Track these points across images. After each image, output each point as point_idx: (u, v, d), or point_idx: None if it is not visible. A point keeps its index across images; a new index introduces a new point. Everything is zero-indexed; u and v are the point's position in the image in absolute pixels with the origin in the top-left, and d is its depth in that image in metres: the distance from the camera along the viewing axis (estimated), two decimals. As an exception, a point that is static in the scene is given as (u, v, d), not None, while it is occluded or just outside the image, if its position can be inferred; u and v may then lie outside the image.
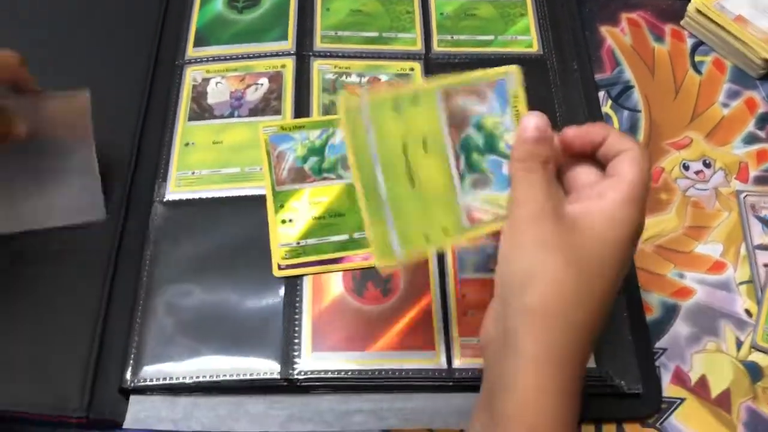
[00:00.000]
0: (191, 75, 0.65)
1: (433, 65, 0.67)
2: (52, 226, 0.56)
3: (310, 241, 0.56)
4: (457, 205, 0.46)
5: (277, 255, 0.56)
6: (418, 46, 0.68)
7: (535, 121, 0.44)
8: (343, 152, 0.59)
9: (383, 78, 0.66)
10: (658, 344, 0.57)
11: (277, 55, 0.66)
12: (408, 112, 0.45)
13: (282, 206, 0.58)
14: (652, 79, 0.70)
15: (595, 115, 0.66)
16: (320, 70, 0.66)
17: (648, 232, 0.61)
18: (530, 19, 0.71)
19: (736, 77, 0.70)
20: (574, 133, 0.45)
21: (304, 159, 0.60)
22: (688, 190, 0.64)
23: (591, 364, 0.53)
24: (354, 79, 0.65)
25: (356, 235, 0.57)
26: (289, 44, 0.67)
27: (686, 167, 0.65)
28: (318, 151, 0.60)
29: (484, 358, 0.44)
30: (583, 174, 0.45)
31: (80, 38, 0.68)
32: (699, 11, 0.71)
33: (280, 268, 0.55)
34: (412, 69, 0.66)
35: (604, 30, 0.73)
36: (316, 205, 0.58)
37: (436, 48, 0.68)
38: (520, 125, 0.45)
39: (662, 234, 0.62)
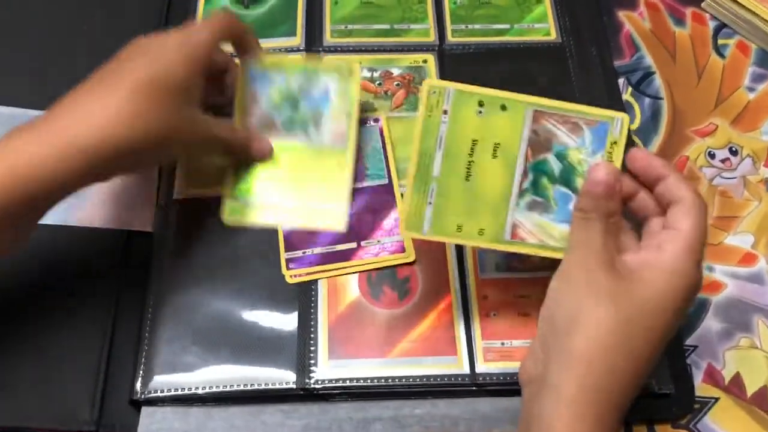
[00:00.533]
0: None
1: (448, 56, 0.65)
2: (109, 227, 0.56)
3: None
4: (505, 215, 0.47)
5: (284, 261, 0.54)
6: (432, 38, 0.66)
7: (604, 176, 0.44)
8: (320, 107, 0.57)
9: (396, 72, 0.63)
10: (689, 341, 0.55)
11: (285, 51, 0.64)
12: (491, 115, 0.46)
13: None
14: (674, 64, 0.68)
15: (616, 103, 0.63)
16: (330, 64, 0.64)
17: (674, 224, 0.59)
18: (547, 6, 0.68)
19: (762, 60, 0.67)
20: (636, 167, 0.46)
21: (278, 107, 0.57)
22: (714, 179, 0.61)
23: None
24: (365, 73, 0.63)
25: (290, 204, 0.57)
26: (297, 39, 0.65)
27: (712, 155, 0.63)
28: (288, 99, 0.57)
29: (523, 395, 0.44)
30: (649, 223, 0.46)
31: (81, 35, 0.66)
32: (721, -8, 0.68)
33: (291, 276, 0.54)
34: (425, 61, 0.64)
35: (622, 15, 0.71)
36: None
37: (450, 38, 0.66)
38: (588, 175, 0.45)
39: (689, 226, 0.59)
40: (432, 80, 0.47)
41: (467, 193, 0.46)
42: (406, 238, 0.54)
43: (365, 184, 0.57)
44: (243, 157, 0.55)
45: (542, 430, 0.40)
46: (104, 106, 0.44)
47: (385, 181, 0.57)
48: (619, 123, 0.46)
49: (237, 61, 0.57)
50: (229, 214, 0.55)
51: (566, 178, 0.47)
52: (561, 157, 0.47)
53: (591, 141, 0.46)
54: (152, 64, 0.46)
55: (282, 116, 0.56)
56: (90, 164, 0.43)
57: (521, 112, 0.46)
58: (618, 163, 0.46)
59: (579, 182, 0.47)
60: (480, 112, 0.46)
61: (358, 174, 0.57)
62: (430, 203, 0.46)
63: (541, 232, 0.47)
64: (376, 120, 0.60)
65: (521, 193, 0.47)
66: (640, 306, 0.41)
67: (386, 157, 0.58)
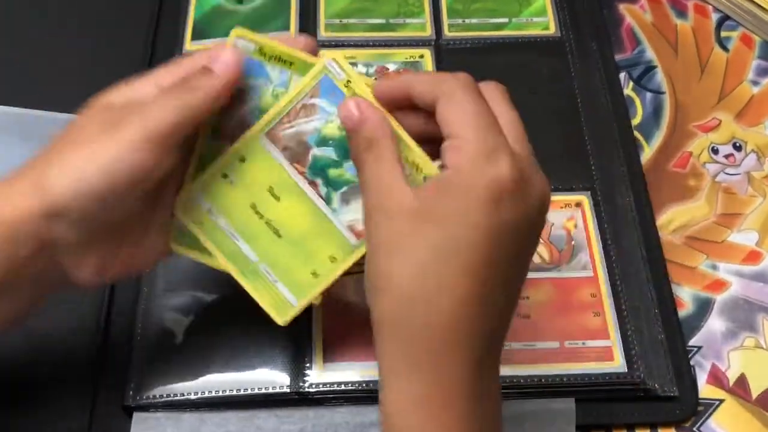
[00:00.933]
0: (189, 70, 0.62)
1: (445, 51, 0.63)
2: None
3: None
4: (335, 229, 0.43)
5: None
6: (428, 32, 0.65)
7: (349, 105, 0.39)
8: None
9: (391, 67, 0.62)
10: (692, 342, 0.53)
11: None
12: (239, 174, 0.42)
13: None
14: (676, 57, 0.66)
15: (617, 98, 0.62)
16: (325, 60, 0.62)
17: (677, 221, 0.58)
18: (546, 0, 0.67)
19: (766, 53, 0.66)
20: (382, 88, 0.40)
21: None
22: (718, 175, 0.60)
23: (622, 368, 0.49)
24: (361, 69, 0.62)
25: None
26: (291, 34, 0.64)
27: (715, 151, 0.61)
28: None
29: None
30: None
31: (72, 32, 0.65)
32: (724, -16, 0.67)
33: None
34: (421, 56, 0.63)
35: (623, 8, 0.69)
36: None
37: (447, 33, 0.65)
38: (340, 117, 0.40)
39: (692, 223, 0.58)
40: (178, 200, 0.43)
41: (290, 245, 0.43)
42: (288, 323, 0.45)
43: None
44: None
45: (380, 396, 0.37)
46: None
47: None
48: (333, 66, 0.41)
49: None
50: (175, 239, 0.45)
51: (344, 149, 0.41)
52: (322, 141, 0.42)
53: (329, 103, 0.41)
54: None
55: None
56: None
57: (258, 148, 0.42)
58: (369, 96, 0.40)
59: None
60: (229, 180, 0.43)
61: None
62: (275, 282, 0.43)
63: None
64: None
65: (326, 199, 0.42)
66: (433, 247, 0.35)
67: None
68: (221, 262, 0.44)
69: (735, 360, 0.53)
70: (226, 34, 0.62)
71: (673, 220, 0.58)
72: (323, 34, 0.64)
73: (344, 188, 0.42)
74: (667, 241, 0.57)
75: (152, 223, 0.43)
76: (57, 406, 0.49)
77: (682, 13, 0.69)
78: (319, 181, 0.42)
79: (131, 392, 0.49)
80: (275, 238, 0.43)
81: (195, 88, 0.39)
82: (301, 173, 0.42)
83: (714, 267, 0.56)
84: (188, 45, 0.64)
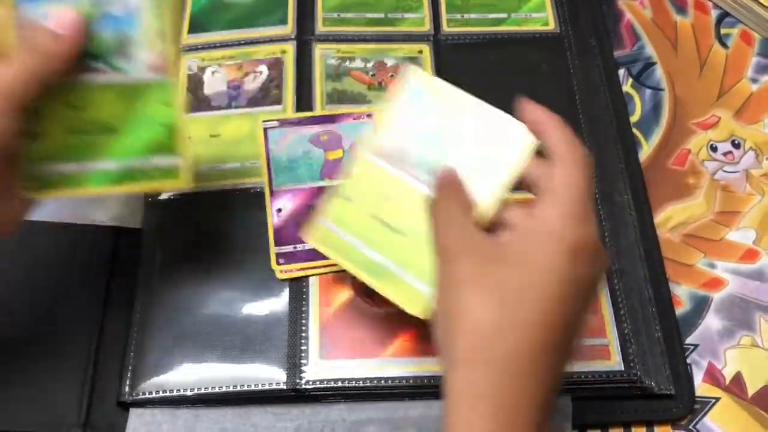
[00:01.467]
0: (186, 64, 0.61)
1: (443, 47, 0.63)
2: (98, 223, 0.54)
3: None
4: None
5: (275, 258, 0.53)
6: (427, 27, 0.64)
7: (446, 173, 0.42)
8: (126, 30, 0.42)
9: (390, 62, 0.62)
10: (689, 340, 0.53)
11: (276, 40, 0.63)
12: (355, 191, 0.45)
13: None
14: (675, 54, 0.66)
15: (616, 95, 0.62)
16: (322, 55, 0.62)
17: (675, 219, 0.58)
18: (545, -5, 0.67)
19: (766, 50, 0.66)
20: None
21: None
22: (716, 173, 0.60)
23: (619, 366, 0.49)
24: (359, 64, 0.62)
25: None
26: (289, 28, 0.63)
27: (714, 148, 0.61)
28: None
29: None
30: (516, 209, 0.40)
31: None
32: (724, -19, 0.67)
33: (282, 271, 0.52)
34: (420, 52, 0.63)
35: (622, 3, 0.69)
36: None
37: (446, 28, 0.64)
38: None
39: (690, 221, 0.58)
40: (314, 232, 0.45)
41: (415, 240, 0.43)
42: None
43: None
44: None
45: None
46: None
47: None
48: None
49: None
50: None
51: None
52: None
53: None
54: None
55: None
56: None
57: (367, 164, 0.45)
58: None
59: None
60: (346, 198, 0.45)
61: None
62: (406, 276, 0.44)
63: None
64: (369, 115, 0.58)
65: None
66: (511, 285, 0.36)
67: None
68: (353, 271, 0.45)
69: (731, 358, 0.53)
70: (223, 28, 0.63)
71: (671, 217, 0.58)
72: (321, 28, 0.64)
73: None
74: (665, 239, 0.57)
75: (10, 187, 0.43)
76: (53, 402, 0.49)
77: (681, 9, 0.69)
78: (425, 176, 0.44)
79: (127, 388, 0.49)
80: (399, 236, 0.44)
81: (47, 53, 0.40)
82: (407, 171, 0.44)
83: (711, 265, 0.56)
84: (185, 39, 0.63)
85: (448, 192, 0.41)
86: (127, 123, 0.43)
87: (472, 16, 0.65)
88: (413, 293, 0.43)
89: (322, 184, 0.55)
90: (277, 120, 0.57)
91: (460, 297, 0.36)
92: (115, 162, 0.43)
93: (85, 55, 0.41)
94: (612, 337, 0.51)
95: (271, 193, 0.54)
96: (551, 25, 0.65)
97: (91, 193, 0.44)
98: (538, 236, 0.37)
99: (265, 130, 0.57)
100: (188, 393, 0.48)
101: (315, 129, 0.57)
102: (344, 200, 0.45)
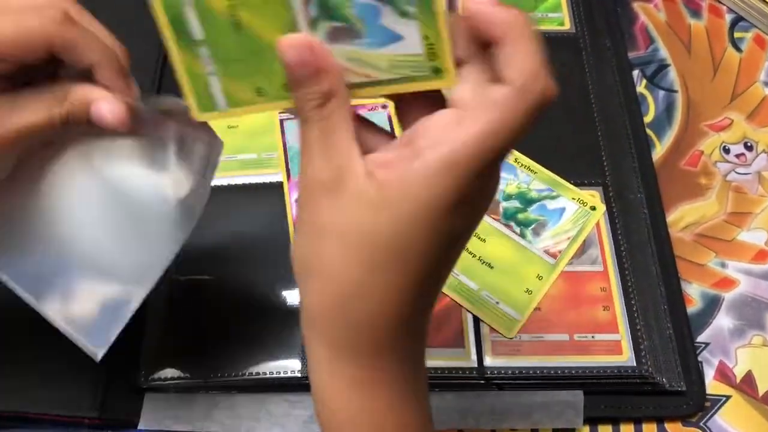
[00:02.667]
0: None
1: (459, 44, 0.63)
2: None
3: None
4: (535, 255, 0.49)
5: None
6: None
7: (304, 46, 0.31)
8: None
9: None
10: (700, 338, 0.54)
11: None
12: None
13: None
14: (689, 57, 0.67)
15: (630, 95, 0.63)
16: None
17: (687, 219, 0.58)
18: (561, -4, 0.67)
19: (779, 54, 0.66)
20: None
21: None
22: (729, 174, 0.60)
23: (630, 362, 0.50)
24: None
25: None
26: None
27: (727, 150, 0.62)
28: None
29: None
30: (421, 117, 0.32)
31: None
32: (739, -15, 0.67)
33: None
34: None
35: (637, 6, 0.70)
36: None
37: (462, 26, 0.65)
38: (285, 58, 0.32)
39: (702, 221, 0.58)
40: None
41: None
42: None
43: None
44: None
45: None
46: None
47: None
48: None
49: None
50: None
51: (525, 200, 0.43)
52: (507, 197, 0.42)
53: (504, 172, 0.41)
54: None
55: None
56: None
57: None
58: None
59: None
60: None
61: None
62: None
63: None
64: (384, 106, 0.59)
65: (521, 234, 0.44)
66: (379, 239, 0.31)
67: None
68: (451, 296, 0.51)
69: (742, 357, 0.53)
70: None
71: (683, 217, 0.58)
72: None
73: (533, 225, 0.54)
74: (677, 238, 0.57)
75: None
76: (69, 387, 0.49)
77: (696, 12, 0.69)
78: (512, 224, 0.54)
79: (143, 373, 0.49)
80: (489, 269, 0.52)
81: (73, 112, 0.36)
82: (497, 220, 0.54)
83: (723, 265, 0.57)
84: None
85: (333, 99, 0.32)
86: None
87: (489, 15, 0.66)
88: (505, 318, 0.50)
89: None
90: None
91: (321, 248, 0.32)
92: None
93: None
94: (624, 333, 0.51)
95: (290, 183, 0.55)
96: (567, 26, 0.66)
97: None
98: (413, 187, 0.30)
99: (282, 121, 0.58)
100: (203, 380, 0.49)
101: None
102: None
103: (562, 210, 0.55)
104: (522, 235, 0.54)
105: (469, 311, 0.51)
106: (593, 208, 0.55)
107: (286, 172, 0.55)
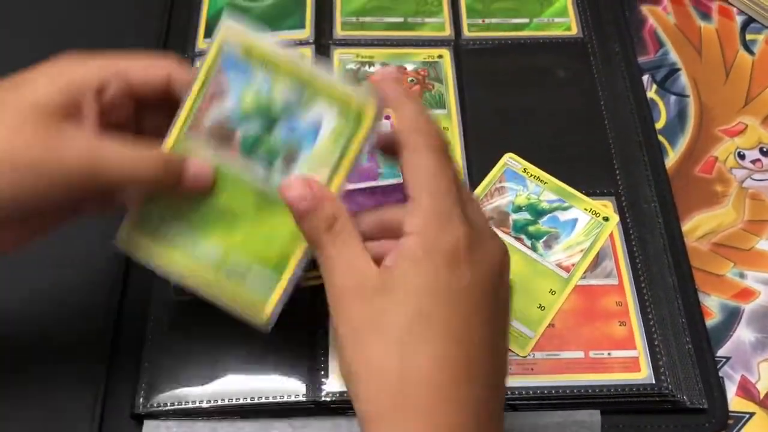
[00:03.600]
0: (202, 68, 0.60)
1: (464, 52, 0.62)
2: None
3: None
4: (547, 269, 0.50)
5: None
6: (447, 32, 0.63)
7: (298, 186, 0.37)
8: (301, 142, 0.40)
9: (410, 67, 0.61)
10: (721, 352, 0.52)
11: (294, 44, 0.62)
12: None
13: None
14: (700, 60, 0.65)
15: (640, 101, 0.61)
16: (341, 59, 0.61)
17: (703, 227, 0.56)
18: (568, 0, 0.66)
19: (793, 57, 0.65)
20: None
21: (246, 117, 0.40)
22: (745, 180, 0.59)
23: (649, 379, 0.48)
24: (378, 69, 0.60)
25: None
26: (306, 32, 0.62)
27: (742, 156, 0.60)
28: (263, 112, 0.40)
29: None
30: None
31: (84, 29, 0.64)
32: (750, -15, 0.65)
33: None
34: (440, 56, 0.61)
35: (645, 9, 0.68)
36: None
37: (467, 33, 0.63)
38: (286, 198, 0.38)
39: (719, 230, 0.56)
40: None
41: (516, 290, 0.46)
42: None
43: (378, 183, 0.54)
44: (167, 190, 0.41)
45: None
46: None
47: (399, 179, 0.54)
48: (510, 161, 0.47)
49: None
50: (122, 239, 0.43)
51: (535, 212, 0.49)
52: (517, 209, 0.49)
53: (513, 184, 0.50)
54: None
55: (246, 131, 0.40)
56: None
57: None
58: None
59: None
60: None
61: (370, 173, 0.55)
62: (512, 322, 0.46)
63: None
64: (388, 117, 0.57)
65: (533, 248, 0.49)
66: (398, 326, 0.34)
67: (401, 157, 0.55)
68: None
69: (765, 372, 0.51)
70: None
71: (699, 226, 0.56)
72: (339, 32, 0.63)
73: (545, 237, 0.52)
74: (693, 248, 0.55)
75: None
76: (65, 413, 0.48)
77: (706, 15, 0.67)
78: (522, 236, 0.53)
79: (141, 399, 0.47)
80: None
81: (157, 174, 0.39)
82: (507, 233, 0.53)
83: (742, 275, 0.55)
84: (201, 43, 0.62)
85: (336, 221, 0.37)
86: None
87: (493, 20, 0.64)
88: (520, 336, 0.49)
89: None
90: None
91: (359, 346, 0.35)
92: (214, 260, 0.42)
93: (254, 144, 0.40)
94: (641, 349, 0.49)
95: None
96: (574, 30, 0.64)
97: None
98: (411, 252, 0.35)
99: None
100: (204, 405, 0.47)
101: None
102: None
103: (575, 221, 0.53)
104: (533, 249, 0.52)
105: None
106: (606, 219, 0.53)
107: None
